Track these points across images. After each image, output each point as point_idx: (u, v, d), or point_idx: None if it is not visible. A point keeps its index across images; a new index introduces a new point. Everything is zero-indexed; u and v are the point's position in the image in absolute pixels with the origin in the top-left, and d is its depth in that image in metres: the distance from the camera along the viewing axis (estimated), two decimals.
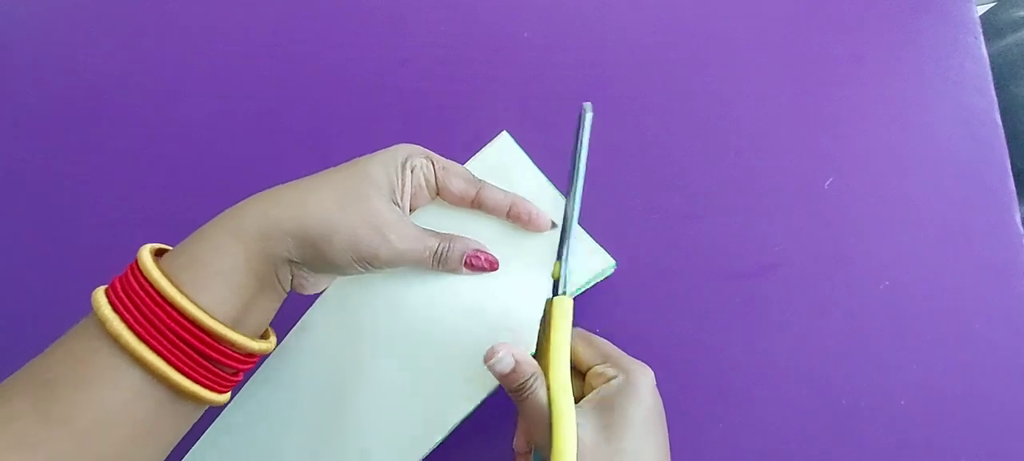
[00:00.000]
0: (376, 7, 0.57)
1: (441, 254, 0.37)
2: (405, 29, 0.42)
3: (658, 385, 0.34)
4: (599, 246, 0.41)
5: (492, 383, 0.36)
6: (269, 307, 0.35)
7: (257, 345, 0.33)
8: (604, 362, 0.35)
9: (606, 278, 0.43)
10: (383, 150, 0.37)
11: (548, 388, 0.33)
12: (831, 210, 0.47)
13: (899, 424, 0.41)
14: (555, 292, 0.35)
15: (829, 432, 0.42)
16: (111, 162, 0.53)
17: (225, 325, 0.31)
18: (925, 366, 0.42)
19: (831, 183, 0.47)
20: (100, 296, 0.31)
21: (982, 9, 0.63)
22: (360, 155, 0.37)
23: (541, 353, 0.35)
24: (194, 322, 0.30)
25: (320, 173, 0.36)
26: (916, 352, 0.43)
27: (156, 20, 0.59)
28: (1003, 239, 0.45)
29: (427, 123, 0.52)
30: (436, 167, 0.38)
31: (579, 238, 0.40)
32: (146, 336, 0.30)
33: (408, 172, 0.37)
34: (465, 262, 0.38)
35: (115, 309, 0.30)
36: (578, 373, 0.36)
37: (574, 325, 0.34)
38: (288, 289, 0.35)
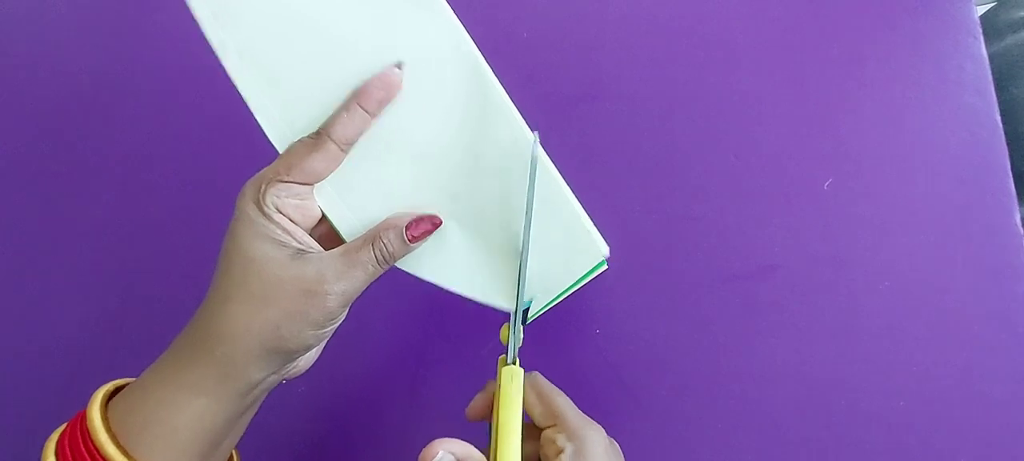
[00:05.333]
0: None
1: (383, 256, 0.33)
2: None
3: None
4: (594, 235, 0.37)
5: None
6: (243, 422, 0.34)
7: None
8: (554, 424, 0.32)
9: (600, 274, 0.42)
10: (232, 222, 0.32)
11: None
12: (831, 211, 0.46)
13: (898, 425, 0.41)
14: (508, 359, 0.32)
15: (828, 433, 0.42)
16: (111, 163, 0.53)
17: None
18: (925, 367, 0.42)
19: (830, 184, 0.47)
20: (49, 455, 0.30)
21: (982, 9, 0.63)
22: None
23: (492, 424, 0.33)
24: None
25: (218, 285, 0.32)
26: (915, 353, 0.43)
27: (156, 19, 0.59)
28: (1003, 240, 0.45)
29: None
30: (283, 181, 0.33)
31: (571, 227, 0.36)
32: None
33: (273, 213, 0.32)
34: (409, 240, 0.34)
35: None
36: (532, 433, 0.34)
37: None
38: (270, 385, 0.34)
